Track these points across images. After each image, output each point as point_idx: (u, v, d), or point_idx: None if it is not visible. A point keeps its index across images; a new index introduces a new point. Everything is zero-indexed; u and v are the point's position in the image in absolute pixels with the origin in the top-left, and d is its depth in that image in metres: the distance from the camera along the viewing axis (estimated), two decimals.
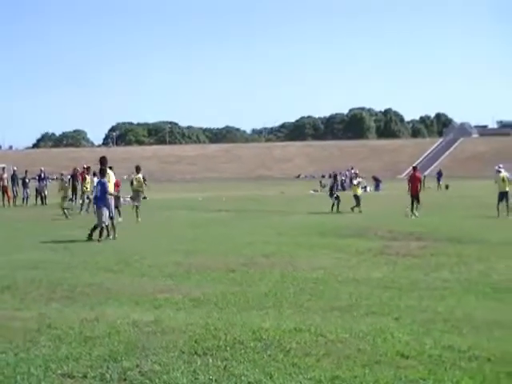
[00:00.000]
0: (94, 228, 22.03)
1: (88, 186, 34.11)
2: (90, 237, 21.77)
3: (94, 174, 31.56)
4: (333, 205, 35.72)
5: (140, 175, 31.52)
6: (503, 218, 30.06)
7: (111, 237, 22.41)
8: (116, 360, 7.93)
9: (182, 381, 7.15)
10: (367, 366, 7.66)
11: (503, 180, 32.20)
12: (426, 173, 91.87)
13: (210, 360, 7.90)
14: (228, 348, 8.43)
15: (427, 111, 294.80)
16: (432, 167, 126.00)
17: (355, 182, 37.89)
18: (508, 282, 13.25)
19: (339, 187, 37.81)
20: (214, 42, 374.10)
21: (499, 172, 33.10)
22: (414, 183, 32.81)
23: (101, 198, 22.27)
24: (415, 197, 32.14)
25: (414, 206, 31.90)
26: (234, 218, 31.50)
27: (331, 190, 37.43)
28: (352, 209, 34.94)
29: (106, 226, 22.18)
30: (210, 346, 8.50)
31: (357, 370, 7.47)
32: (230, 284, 13.24)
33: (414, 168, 35.33)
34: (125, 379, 7.28)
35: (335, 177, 39.34)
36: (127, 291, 12.52)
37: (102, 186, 22.47)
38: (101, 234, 21.89)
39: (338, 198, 35.85)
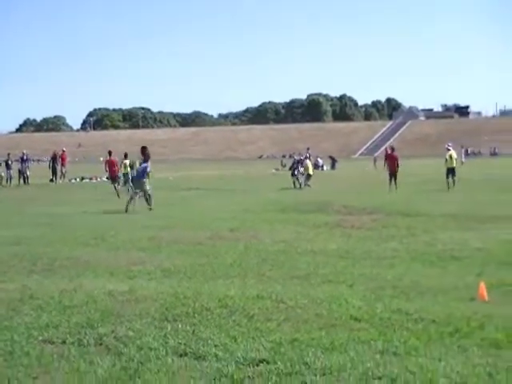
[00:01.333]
0: (130, 200, 24.23)
1: (127, 169, 33.69)
2: (126, 209, 23.66)
3: (126, 157, 34.82)
4: (293, 182, 36.87)
5: (127, 161, 33.32)
6: (452, 190, 30.60)
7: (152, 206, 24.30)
8: (93, 327, 7.90)
9: (154, 345, 7.14)
10: (323, 329, 7.70)
11: (451, 157, 32.70)
12: (376, 154, 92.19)
13: (180, 325, 7.91)
14: (196, 314, 8.44)
15: (379, 96, 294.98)
16: (382, 148, 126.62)
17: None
18: (451, 252, 13.37)
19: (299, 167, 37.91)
20: (183, 30, 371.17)
21: (448, 150, 33.62)
22: (392, 162, 33.28)
23: (142, 176, 24.62)
24: (393, 174, 32.58)
25: (392, 182, 32.27)
26: (203, 195, 31.48)
27: (293, 170, 38.67)
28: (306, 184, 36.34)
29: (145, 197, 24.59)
30: (180, 313, 8.51)
31: (314, 333, 7.51)
32: (198, 256, 13.24)
33: (392, 148, 35.58)
34: (101, 344, 7.26)
35: (299, 161, 39.56)
36: (103, 263, 12.49)
37: (145, 168, 24.80)
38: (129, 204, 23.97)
39: (297, 176, 37.44)
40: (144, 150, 25.51)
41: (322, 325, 7.88)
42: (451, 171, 32.22)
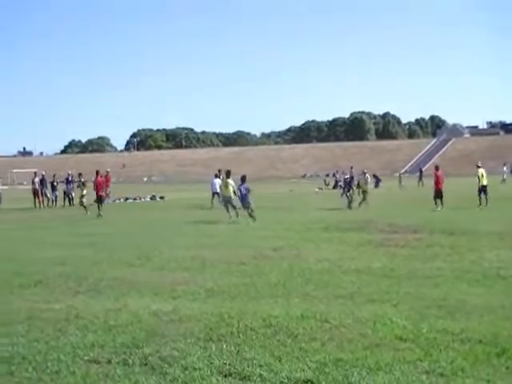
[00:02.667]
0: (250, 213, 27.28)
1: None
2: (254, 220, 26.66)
3: (216, 176, 36.18)
4: (348, 202, 35.42)
5: (230, 180, 29.68)
6: (485, 208, 30.67)
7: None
8: (138, 346, 7.96)
9: (199, 365, 7.17)
10: (368, 348, 7.66)
11: (482, 175, 33.08)
12: (422, 169, 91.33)
13: (224, 345, 7.92)
14: (240, 334, 8.46)
15: (422, 114, 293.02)
16: (427, 166, 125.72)
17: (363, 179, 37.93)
18: (497, 270, 13.19)
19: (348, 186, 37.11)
20: (224, 51, 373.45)
21: (478, 168, 33.93)
22: (437, 180, 32.74)
23: (245, 195, 27.94)
24: (438, 193, 32.11)
25: (437, 201, 31.85)
26: (246, 214, 31.49)
27: (344, 188, 39.28)
28: (359, 204, 34.85)
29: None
30: (224, 333, 8.53)
31: (359, 353, 7.48)
32: (242, 275, 13.24)
33: (437, 167, 34.94)
34: (146, 364, 7.31)
35: (351, 179, 38.63)
36: (148, 283, 12.54)
37: (246, 188, 28.22)
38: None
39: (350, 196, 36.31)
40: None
41: (367, 344, 7.84)
42: (483, 189, 32.47)
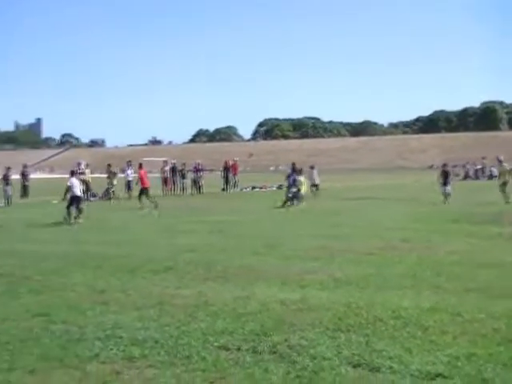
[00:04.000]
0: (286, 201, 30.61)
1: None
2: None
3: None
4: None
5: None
6: None
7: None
8: (266, 335, 8.01)
9: (328, 355, 7.15)
10: (502, 344, 7.45)
11: None
12: None
13: (353, 336, 7.88)
14: (369, 325, 8.39)
15: None
16: None
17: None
18: None
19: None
20: (349, 44, 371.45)
21: None
22: None
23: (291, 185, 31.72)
24: None
25: None
26: (372, 205, 31.19)
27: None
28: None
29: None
30: (353, 323, 8.48)
31: (492, 348, 7.29)
32: (370, 266, 13.12)
33: None
34: (275, 352, 7.35)
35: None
36: (275, 272, 12.61)
37: (294, 179, 32.06)
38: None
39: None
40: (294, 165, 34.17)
41: (501, 340, 7.62)
42: None
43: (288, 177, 33.09)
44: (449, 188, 32.99)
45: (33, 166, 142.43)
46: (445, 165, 35.48)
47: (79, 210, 24.53)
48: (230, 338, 7.94)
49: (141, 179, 33.20)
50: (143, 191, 32.62)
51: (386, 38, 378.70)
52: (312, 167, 38.55)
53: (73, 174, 25.89)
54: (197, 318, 9.00)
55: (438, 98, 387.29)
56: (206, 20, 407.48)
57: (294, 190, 31.73)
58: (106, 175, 42.83)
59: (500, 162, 35.18)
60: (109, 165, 43.63)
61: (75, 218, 24.19)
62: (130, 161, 45.97)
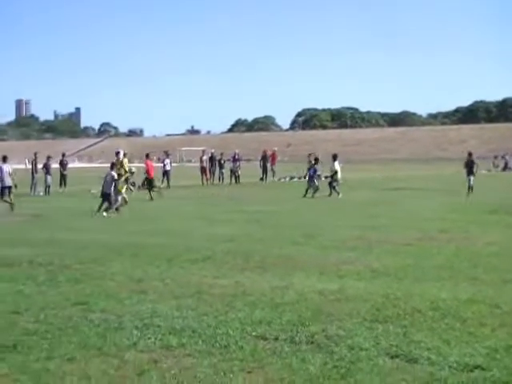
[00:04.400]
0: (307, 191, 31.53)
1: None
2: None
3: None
4: None
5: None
6: None
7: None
8: (304, 325, 8.01)
9: (365, 345, 7.13)
10: None
11: None
12: None
13: (391, 327, 7.85)
14: (407, 316, 8.36)
15: None
16: None
17: None
18: None
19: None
20: (387, 32, 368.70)
21: None
22: None
23: (312, 176, 32.82)
24: None
25: None
26: (409, 195, 31.02)
27: None
28: None
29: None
30: (390, 314, 8.45)
31: None
32: (408, 257, 13.05)
33: None
34: (312, 342, 7.34)
35: None
36: (313, 262, 12.60)
37: (314, 170, 32.97)
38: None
39: None
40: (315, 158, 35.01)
41: None
42: None
43: (309, 168, 33.14)
44: (472, 179, 32.06)
45: (72, 156, 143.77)
46: (470, 154, 34.34)
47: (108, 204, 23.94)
48: (267, 327, 7.95)
49: (147, 170, 33.27)
50: (149, 181, 32.90)
51: (425, 27, 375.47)
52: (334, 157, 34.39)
53: (112, 166, 25.14)
54: (235, 307, 9.02)
55: (477, 88, 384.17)
56: (240, 11, 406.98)
57: (315, 181, 32.44)
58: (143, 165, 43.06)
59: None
60: (147, 154, 43.97)
61: (104, 209, 23.58)
62: (167, 151, 46.20)
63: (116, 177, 24.50)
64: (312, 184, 32.21)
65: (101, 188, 24.32)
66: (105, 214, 23.19)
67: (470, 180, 32.04)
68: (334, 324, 8.00)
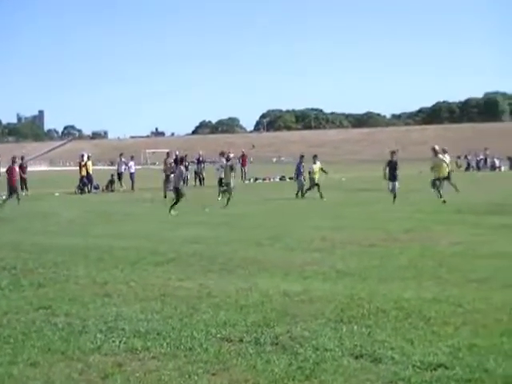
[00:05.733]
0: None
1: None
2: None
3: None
4: None
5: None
6: None
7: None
8: (269, 326, 8.03)
9: (330, 346, 7.16)
10: (504, 335, 7.44)
11: None
12: None
13: (355, 327, 7.89)
14: (371, 316, 8.40)
15: None
16: None
17: None
18: None
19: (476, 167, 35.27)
20: (352, 35, 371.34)
21: None
22: None
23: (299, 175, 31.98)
24: None
25: None
26: (375, 196, 31.17)
27: None
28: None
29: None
30: (355, 315, 8.49)
31: (494, 339, 7.28)
32: (372, 257, 13.13)
33: None
34: (277, 343, 7.36)
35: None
36: (277, 263, 12.63)
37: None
38: None
39: None
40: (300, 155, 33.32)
41: (503, 331, 7.61)
42: None
43: (297, 166, 32.68)
44: (397, 184, 26.65)
45: (35, 158, 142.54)
46: (393, 153, 28.36)
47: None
48: (232, 329, 7.95)
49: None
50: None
51: (387, 29, 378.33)
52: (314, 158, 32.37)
53: (181, 161, 27.05)
54: (199, 309, 9.01)
55: (440, 88, 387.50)
56: (209, 13, 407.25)
57: (301, 178, 31.74)
58: (114, 167, 43.08)
59: (436, 152, 28.53)
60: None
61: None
62: (121, 154, 46.44)
63: (185, 172, 26.86)
64: (299, 183, 31.87)
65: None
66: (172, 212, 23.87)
67: (394, 187, 26.41)
68: (299, 325, 8.02)
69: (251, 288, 10.31)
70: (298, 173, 31.96)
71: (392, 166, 26.56)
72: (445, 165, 28.19)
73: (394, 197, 25.85)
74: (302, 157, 33.28)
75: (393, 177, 26.35)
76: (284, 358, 6.86)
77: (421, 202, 26.59)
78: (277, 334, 7.65)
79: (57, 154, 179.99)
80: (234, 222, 20.39)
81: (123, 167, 43.36)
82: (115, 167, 45.56)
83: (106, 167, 44.59)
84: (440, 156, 28.29)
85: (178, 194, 24.67)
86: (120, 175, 42.63)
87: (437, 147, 28.88)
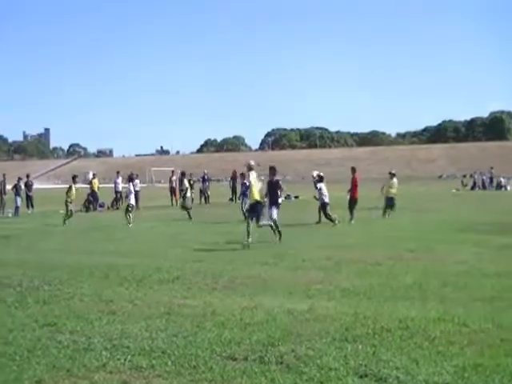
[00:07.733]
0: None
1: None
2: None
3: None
4: None
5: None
6: None
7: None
8: (273, 345, 8.01)
9: (334, 365, 7.14)
10: (509, 355, 7.41)
11: None
12: None
13: (360, 346, 7.87)
14: (376, 335, 8.38)
15: None
16: None
17: None
18: None
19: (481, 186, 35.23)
20: (358, 55, 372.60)
21: None
22: None
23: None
24: None
25: None
26: (379, 214, 31.11)
27: None
28: None
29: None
30: (360, 334, 8.47)
31: (500, 359, 7.25)
32: (377, 276, 13.11)
33: None
34: (281, 362, 7.34)
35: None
36: (282, 282, 12.61)
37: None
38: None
39: None
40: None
41: (509, 351, 7.57)
42: None
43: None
44: (275, 213, 20.61)
45: (41, 176, 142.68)
46: (272, 169, 22.47)
47: None
48: (236, 348, 7.94)
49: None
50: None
51: (393, 47, 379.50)
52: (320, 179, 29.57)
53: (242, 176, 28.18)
54: (204, 328, 9.00)
55: (446, 107, 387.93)
56: (215, 33, 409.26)
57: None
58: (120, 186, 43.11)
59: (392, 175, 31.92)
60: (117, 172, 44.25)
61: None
62: (118, 171, 46.56)
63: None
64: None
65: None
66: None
67: (271, 214, 20.54)
68: (304, 344, 8.00)
69: (256, 306, 10.29)
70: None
71: (272, 188, 21.42)
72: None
73: (273, 227, 20.27)
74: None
75: (272, 202, 21.00)
76: (289, 377, 6.85)
77: (425, 221, 26.53)
78: (281, 353, 7.64)
79: (62, 171, 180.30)
80: (237, 241, 20.27)
81: (120, 186, 43.26)
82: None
83: (111, 185, 44.43)
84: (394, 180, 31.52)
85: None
86: (120, 194, 42.45)
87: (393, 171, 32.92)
